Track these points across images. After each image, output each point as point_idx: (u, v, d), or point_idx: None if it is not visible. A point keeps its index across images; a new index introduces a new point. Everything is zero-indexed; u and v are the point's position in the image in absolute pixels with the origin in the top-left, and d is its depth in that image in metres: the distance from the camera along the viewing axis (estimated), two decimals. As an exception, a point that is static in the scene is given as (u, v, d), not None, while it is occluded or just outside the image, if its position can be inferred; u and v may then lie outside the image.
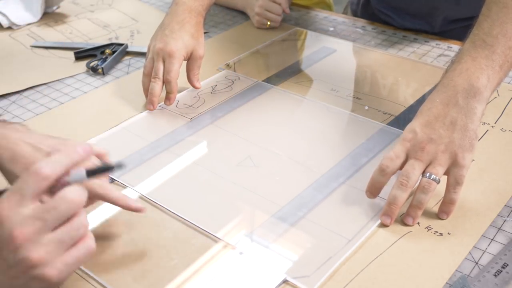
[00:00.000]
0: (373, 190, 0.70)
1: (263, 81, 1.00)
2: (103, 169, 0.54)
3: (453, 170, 0.67)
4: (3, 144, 0.60)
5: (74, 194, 0.49)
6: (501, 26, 0.71)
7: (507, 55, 0.71)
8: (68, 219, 0.49)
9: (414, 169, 0.67)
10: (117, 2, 1.38)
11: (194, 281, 0.61)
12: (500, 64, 0.70)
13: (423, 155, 0.67)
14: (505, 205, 0.70)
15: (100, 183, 0.62)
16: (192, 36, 0.94)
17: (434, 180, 0.66)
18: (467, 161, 0.67)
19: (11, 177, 0.61)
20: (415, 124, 0.70)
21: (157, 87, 0.91)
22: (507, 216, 0.69)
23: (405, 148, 0.69)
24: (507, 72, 0.72)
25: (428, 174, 0.67)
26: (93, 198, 0.62)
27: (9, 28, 1.25)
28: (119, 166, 0.54)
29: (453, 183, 0.67)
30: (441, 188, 0.68)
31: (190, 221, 0.69)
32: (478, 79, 0.69)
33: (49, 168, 0.49)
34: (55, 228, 0.48)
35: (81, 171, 0.52)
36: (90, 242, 0.51)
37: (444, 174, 0.68)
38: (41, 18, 1.29)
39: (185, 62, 0.95)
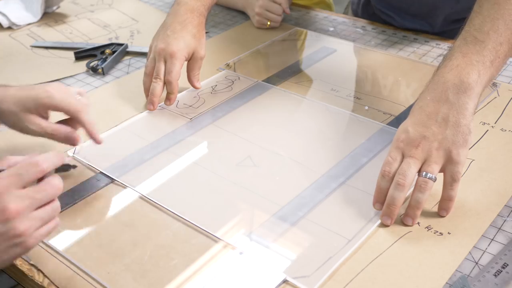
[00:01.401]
0: (381, 198, 0.69)
1: (263, 81, 1.00)
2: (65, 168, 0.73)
3: (449, 167, 0.67)
4: None
5: (57, 181, 0.59)
6: (492, 22, 0.71)
7: (498, 50, 0.71)
8: (48, 202, 0.59)
9: (410, 167, 0.67)
10: (117, 2, 1.38)
11: (194, 281, 0.61)
12: (491, 59, 0.70)
13: (417, 152, 0.67)
14: (505, 205, 0.70)
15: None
16: (194, 37, 0.94)
17: (430, 178, 0.66)
18: (462, 157, 0.67)
19: None
20: (408, 124, 0.70)
21: (158, 87, 0.91)
22: (507, 216, 0.69)
23: (400, 149, 0.69)
24: (499, 68, 0.72)
25: (424, 173, 0.67)
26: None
27: (9, 28, 1.25)
28: (74, 166, 0.76)
29: (450, 180, 0.67)
30: (440, 188, 0.68)
31: (190, 221, 0.69)
32: (468, 75, 0.69)
33: (46, 164, 0.59)
34: (38, 207, 0.58)
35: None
36: (58, 220, 0.61)
37: (440, 171, 0.68)
38: (41, 18, 1.29)
39: (185, 62, 0.95)
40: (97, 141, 0.76)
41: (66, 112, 0.74)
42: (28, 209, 0.56)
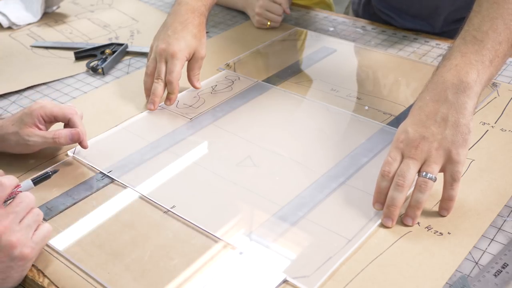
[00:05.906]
0: (381, 199, 0.69)
1: (263, 81, 1.00)
2: (44, 176, 0.73)
3: (449, 167, 0.67)
4: None
5: (29, 195, 0.64)
6: (491, 22, 0.71)
7: (497, 50, 0.70)
8: (28, 212, 0.64)
9: (409, 168, 0.67)
10: (117, 2, 1.38)
11: (194, 281, 0.61)
12: (490, 59, 0.70)
13: (416, 153, 0.67)
14: (505, 205, 0.70)
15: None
16: (195, 37, 0.94)
17: (430, 178, 0.66)
18: (462, 156, 0.67)
19: None
20: (407, 124, 0.70)
21: (160, 88, 0.91)
22: (507, 216, 0.69)
23: (399, 149, 0.69)
24: (498, 68, 0.72)
25: (423, 173, 0.67)
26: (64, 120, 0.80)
27: (9, 28, 1.25)
28: (55, 171, 0.74)
29: (450, 180, 0.67)
30: (440, 188, 0.68)
31: (190, 221, 0.69)
32: (467, 74, 0.69)
33: (7, 181, 0.64)
34: (22, 219, 0.63)
35: (28, 182, 0.71)
36: (47, 225, 0.65)
37: (440, 171, 0.68)
38: (41, 18, 1.29)
39: (186, 62, 0.95)
40: (83, 146, 0.80)
41: (60, 116, 0.79)
42: (13, 223, 0.61)
